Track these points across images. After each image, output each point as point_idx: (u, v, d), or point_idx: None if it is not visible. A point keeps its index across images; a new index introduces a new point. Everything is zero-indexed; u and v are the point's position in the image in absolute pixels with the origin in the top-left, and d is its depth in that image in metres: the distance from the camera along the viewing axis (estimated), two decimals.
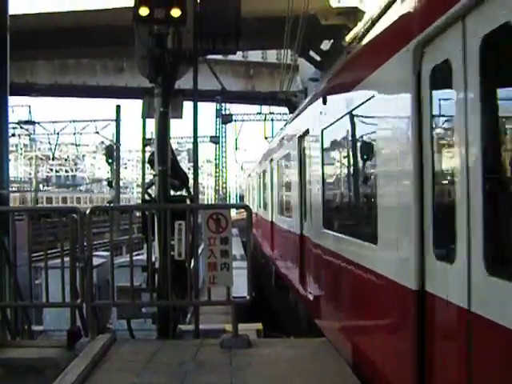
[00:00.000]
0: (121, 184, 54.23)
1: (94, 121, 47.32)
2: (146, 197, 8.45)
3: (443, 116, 4.23)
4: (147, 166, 8.71)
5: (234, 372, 5.94)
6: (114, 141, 42.70)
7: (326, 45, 35.16)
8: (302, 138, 10.14)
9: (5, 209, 7.83)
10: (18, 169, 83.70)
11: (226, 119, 50.97)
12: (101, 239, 30.12)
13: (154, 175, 8.19)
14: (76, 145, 57.89)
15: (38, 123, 50.66)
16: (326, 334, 7.59)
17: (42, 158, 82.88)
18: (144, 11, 7.04)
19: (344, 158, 7.15)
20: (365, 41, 7.04)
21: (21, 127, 50.55)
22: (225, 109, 51.65)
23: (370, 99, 5.43)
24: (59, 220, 7.54)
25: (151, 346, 6.94)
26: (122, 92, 45.59)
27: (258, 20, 26.66)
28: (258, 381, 5.78)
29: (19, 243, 7.41)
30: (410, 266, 4.35)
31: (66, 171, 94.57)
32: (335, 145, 7.58)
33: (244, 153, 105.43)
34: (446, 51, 3.97)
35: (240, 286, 7.48)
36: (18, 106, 50.37)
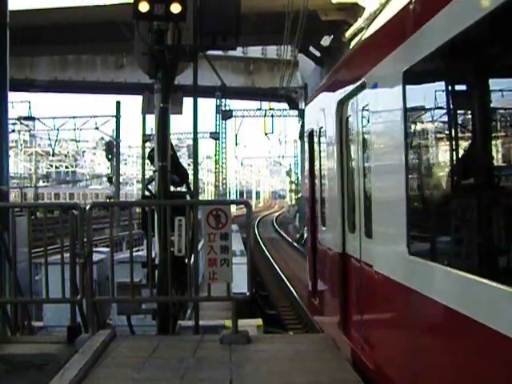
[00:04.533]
0: (121, 180, 54.23)
1: (94, 117, 47.34)
2: (146, 193, 8.46)
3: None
4: (147, 161, 8.72)
5: (234, 368, 5.95)
6: (114, 137, 42.73)
7: (325, 40, 35.18)
8: None
9: (5, 205, 7.83)
10: (17, 165, 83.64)
11: (226, 115, 50.95)
12: (101, 235, 30.14)
13: (154, 171, 8.19)
14: (76, 141, 58.00)
15: (38, 119, 50.65)
16: None
17: (41, 154, 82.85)
18: (144, 7, 7.04)
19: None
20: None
21: (21, 123, 50.53)
22: (225, 105, 51.61)
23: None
24: (59, 216, 7.54)
25: (151, 342, 6.95)
26: (122, 88, 45.59)
27: (258, 16, 26.64)
28: (258, 377, 5.78)
29: (19, 239, 7.40)
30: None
31: (66, 167, 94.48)
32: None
33: (244, 149, 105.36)
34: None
35: (240, 282, 7.49)
36: (18, 102, 50.31)
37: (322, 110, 8.19)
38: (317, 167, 8.66)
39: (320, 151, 8.37)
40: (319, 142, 8.39)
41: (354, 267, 6.47)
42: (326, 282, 8.24)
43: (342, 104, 7.00)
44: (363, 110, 6.06)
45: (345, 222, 6.89)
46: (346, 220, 6.89)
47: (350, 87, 6.46)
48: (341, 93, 6.96)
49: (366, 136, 6.08)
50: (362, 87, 5.94)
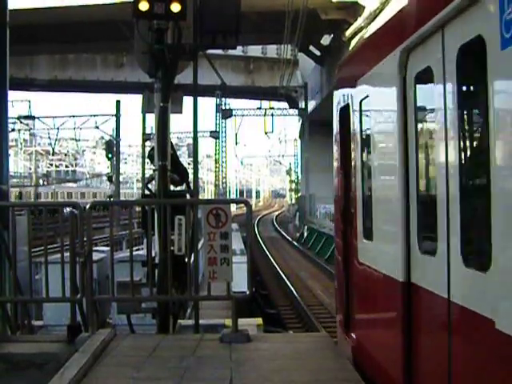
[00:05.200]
0: (121, 179, 54.25)
1: (94, 116, 47.36)
2: (146, 192, 8.46)
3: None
4: (147, 160, 8.72)
5: (234, 367, 5.94)
6: (114, 136, 42.75)
7: (325, 39, 35.23)
8: None
9: (5, 204, 7.82)
10: (17, 164, 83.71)
11: (226, 114, 51.03)
12: (101, 234, 30.15)
13: (154, 170, 8.20)
14: (76, 140, 58.01)
15: (38, 118, 50.72)
16: None
17: (41, 153, 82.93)
18: (144, 6, 7.04)
19: None
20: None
21: (21, 122, 50.62)
22: (225, 104, 51.66)
23: None
24: (59, 215, 7.55)
25: (151, 341, 6.95)
26: (122, 87, 45.66)
27: (259, 15, 26.66)
28: (258, 375, 5.78)
29: (19, 238, 7.40)
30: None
31: (66, 166, 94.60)
32: None
33: (244, 148, 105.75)
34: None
35: (240, 281, 7.48)
36: (18, 101, 50.38)
37: (366, 70, 5.80)
38: (355, 156, 6.24)
39: (361, 133, 6.02)
40: (360, 121, 6.03)
41: (431, 308, 4.35)
42: (371, 317, 6.03)
43: (408, 54, 4.66)
44: (465, 48, 3.67)
45: (411, 237, 4.64)
46: (412, 234, 4.62)
47: (431, 20, 4.07)
48: (407, 36, 4.57)
49: (474, 97, 3.94)
50: (467, 8, 3.63)
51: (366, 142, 5.89)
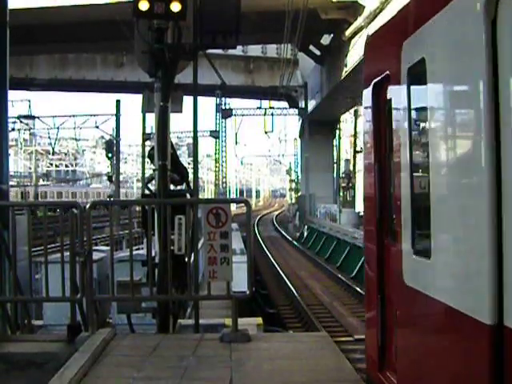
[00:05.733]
0: (121, 178, 54.27)
1: (94, 115, 47.38)
2: (146, 191, 8.47)
3: None
4: (147, 160, 8.73)
5: (234, 366, 5.95)
6: (114, 135, 42.74)
7: (325, 39, 35.23)
8: None
9: (5, 203, 7.82)
10: (17, 163, 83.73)
11: (226, 114, 50.99)
12: (101, 234, 30.15)
13: (154, 170, 8.20)
14: (76, 139, 58.09)
15: (38, 118, 50.76)
16: None
17: (41, 153, 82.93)
18: (144, 5, 7.04)
19: None
20: None
21: (21, 122, 50.64)
22: (225, 103, 51.65)
23: None
24: (59, 214, 7.55)
25: (151, 341, 6.95)
26: (122, 86, 45.63)
27: (259, 14, 26.65)
28: (258, 375, 5.78)
29: (19, 238, 7.40)
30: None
31: (66, 166, 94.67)
32: None
33: (244, 147, 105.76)
34: None
35: (240, 281, 7.48)
36: (18, 101, 50.42)
37: (421, 24, 4.04)
38: (400, 144, 4.64)
39: (410, 112, 4.43)
40: (409, 95, 4.36)
41: None
42: (428, 366, 4.10)
43: None
44: None
45: (504, 258, 3.06)
46: (508, 253, 3.03)
47: None
48: None
49: None
50: None
51: (421, 124, 4.37)
